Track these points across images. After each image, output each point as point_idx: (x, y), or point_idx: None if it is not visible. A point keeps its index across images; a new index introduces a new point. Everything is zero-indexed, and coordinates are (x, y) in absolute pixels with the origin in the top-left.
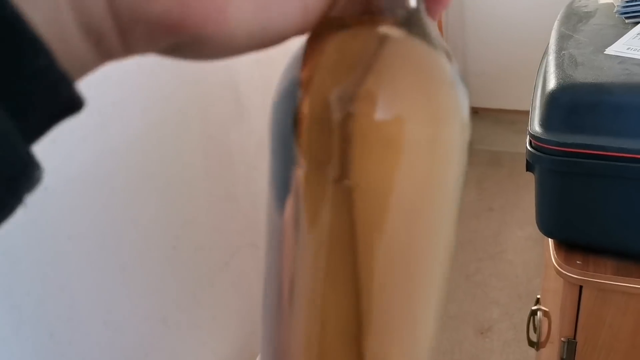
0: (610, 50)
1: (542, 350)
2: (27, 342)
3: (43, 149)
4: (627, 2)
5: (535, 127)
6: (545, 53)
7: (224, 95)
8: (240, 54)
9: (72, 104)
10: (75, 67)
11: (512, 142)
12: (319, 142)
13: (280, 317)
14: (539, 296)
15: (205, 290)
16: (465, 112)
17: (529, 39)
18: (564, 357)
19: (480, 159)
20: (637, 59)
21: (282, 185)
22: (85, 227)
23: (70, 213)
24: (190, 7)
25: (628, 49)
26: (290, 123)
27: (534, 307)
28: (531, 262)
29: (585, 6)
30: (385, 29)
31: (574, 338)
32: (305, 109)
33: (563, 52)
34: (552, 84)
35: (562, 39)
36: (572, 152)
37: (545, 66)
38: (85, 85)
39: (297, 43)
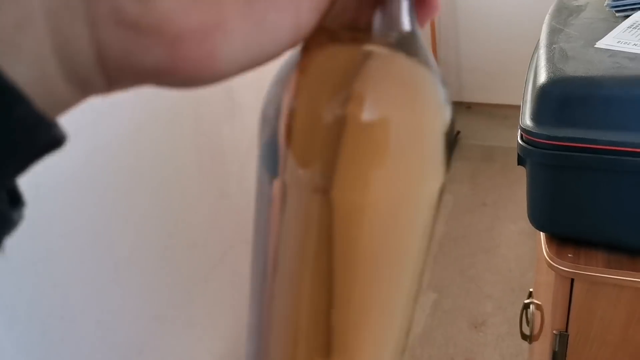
0: (601, 44)
1: (535, 343)
2: (20, 341)
3: None
4: None
5: (527, 121)
6: (537, 47)
7: (216, 93)
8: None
9: (51, 145)
10: (58, 106)
11: (505, 137)
12: (305, 147)
13: (264, 290)
14: (531, 290)
15: (199, 288)
16: (447, 126)
17: (522, 34)
18: (556, 349)
19: (473, 154)
20: (627, 52)
21: (271, 161)
22: (78, 225)
23: (63, 211)
24: (180, 56)
25: (618, 42)
26: (275, 130)
27: (527, 301)
28: (524, 256)
29: (576, 0)
30: (373, 47)
31: (566, 331)
32: (293, 114)
33: (554, 46)
34: (542, 77)
35: (553, 33)
36: (562, 145)
37: (536, 60)
38: None
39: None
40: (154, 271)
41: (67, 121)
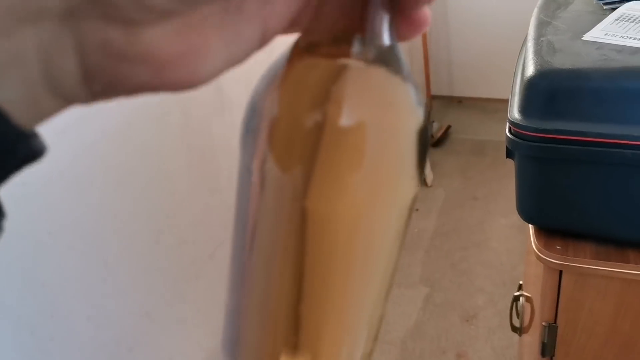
0: (588, 37)
1: (525, 335)
2: (8, 339)
3: None
4: None
5: (515, 113)
6: (525, 40)
7: (205, 89)
8: None
9: (31, 157)
10: (42, 115)
11: (495, 131)
12: (284, 151)
13: (241, 274)
14: (521, 282)
15: (189, 284)
16: (421, 132)
17: (512, 29)
18: (545, 341)
19: (464, 148)
20: (614, 45)
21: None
22: (66, 222)
23: (51, 208)
24: (165, 78)
25: (605, 34)
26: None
27: (517, 293)
28: (515, 250)
29: None
30: (350, 61)
31: (555, 322)
32: (274, 120)
33: (541, 38)
34: (530, 70)
35: (541, 25)
36: (550, 138)
37: (525, 53)
38: None
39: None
40: (144, 268)
41: (54, 118)
